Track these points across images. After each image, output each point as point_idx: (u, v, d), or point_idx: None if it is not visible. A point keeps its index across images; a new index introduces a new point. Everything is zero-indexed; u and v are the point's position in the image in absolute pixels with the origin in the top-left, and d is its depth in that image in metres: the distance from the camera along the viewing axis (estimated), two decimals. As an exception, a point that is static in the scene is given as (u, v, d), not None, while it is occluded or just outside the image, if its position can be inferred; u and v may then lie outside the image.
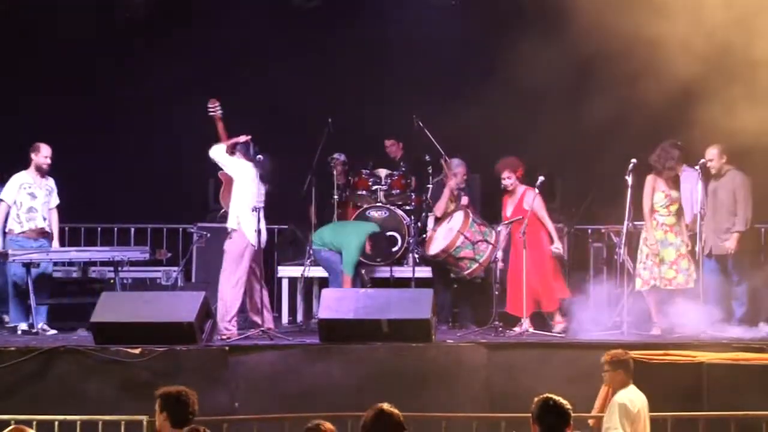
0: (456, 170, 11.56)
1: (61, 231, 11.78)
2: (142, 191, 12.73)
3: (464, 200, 11.44)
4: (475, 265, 10.84)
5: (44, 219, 10.81)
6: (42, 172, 10.83)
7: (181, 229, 12.97)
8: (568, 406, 5.74)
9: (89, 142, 11.76)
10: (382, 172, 12.35)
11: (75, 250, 11.00)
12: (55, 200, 10.99)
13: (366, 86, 12.96)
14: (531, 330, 10.09)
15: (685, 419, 8.20)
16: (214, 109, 10.23)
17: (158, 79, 12.79)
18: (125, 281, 11.39)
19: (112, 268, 10.96)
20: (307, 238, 11.92)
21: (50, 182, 10.94)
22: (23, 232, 10.71)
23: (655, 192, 10.16)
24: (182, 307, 9.48)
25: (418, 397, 8.72)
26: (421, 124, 12.38)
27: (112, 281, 10.86)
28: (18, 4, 12.87)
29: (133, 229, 13.13)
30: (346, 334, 9.37)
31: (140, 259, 10.98)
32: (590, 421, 8.40)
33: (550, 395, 5.76)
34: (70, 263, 11.79)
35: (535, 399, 5.80)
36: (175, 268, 12.11)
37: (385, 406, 5.52)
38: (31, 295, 10.42)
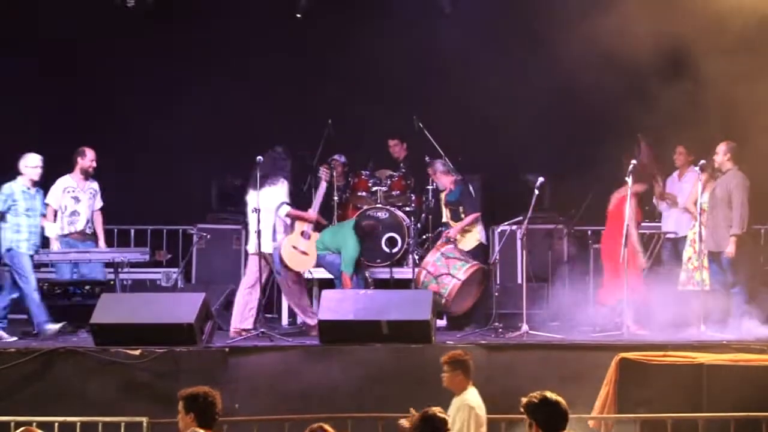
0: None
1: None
2: (142, 192, 12.71)
3: (463, 226, 11.23)
4: (442, 301, 10.67)
5: (87, 221, 11.02)
6: (87, 176, 11.07)
7: (180, 231, 12.97)
8: (565, 404, 5.75)
9: (88, 143, 11.69)
10: (382, 173, 12.34)
11: (75, 251, 10.98)
12: (99, 203, 11.22)
13: (367, 87, 12.95)
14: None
15: (685, 420, 8.20)
16: (327, 175, 10.70)
17: (158, 77, 12.80)
18: (125, 282, 11.37)
19: (111, 270, 10.95)
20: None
21: (94, 185, 11.20)
22: (68, 234, 10.93)
23: (705, 192, 10.21)
24: (182, 308, 9.47)
25: (417, 398, 8.67)
26: (421, 125, 12.37)
27: (112, 282, 10.85)
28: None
29: (132, 231, 13.13)
30: (346, 336, 9.35)
31: (140, 261, 10.97)
32: (590, 422, 8.41)
33: (546, 392, 5.75)
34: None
35: (530, 395, 5.78)
36: (175, 270, 12.10)
37: (433, 410, 5.52)
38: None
